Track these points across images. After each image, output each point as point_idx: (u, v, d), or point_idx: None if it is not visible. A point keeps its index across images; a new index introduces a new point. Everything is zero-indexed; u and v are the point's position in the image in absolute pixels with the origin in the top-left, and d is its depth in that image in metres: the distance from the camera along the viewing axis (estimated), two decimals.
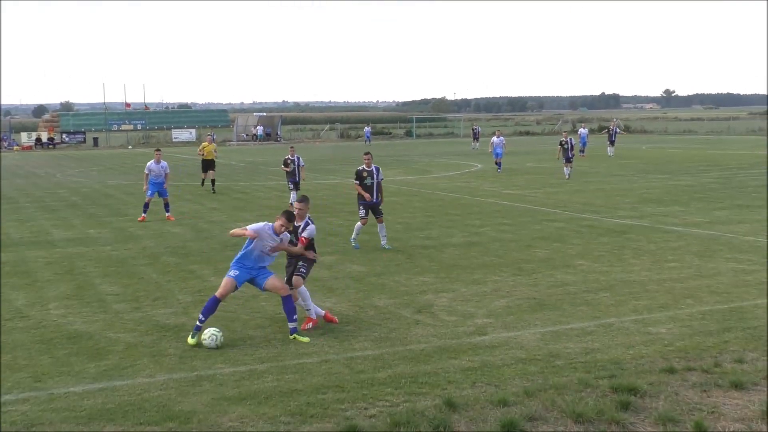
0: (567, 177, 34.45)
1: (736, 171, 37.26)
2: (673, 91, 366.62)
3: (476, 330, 10.84)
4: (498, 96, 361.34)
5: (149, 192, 23.27)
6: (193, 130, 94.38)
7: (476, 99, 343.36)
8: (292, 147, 28.09)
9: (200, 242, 19.00)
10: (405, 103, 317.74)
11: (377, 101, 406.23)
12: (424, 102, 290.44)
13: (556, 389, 8.32)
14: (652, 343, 10.02)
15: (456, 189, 31.39)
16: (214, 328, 10.44)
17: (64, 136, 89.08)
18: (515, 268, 15.02)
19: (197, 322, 10.62)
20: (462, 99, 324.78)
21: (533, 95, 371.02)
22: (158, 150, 24.52)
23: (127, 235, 20.14)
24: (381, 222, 17.75)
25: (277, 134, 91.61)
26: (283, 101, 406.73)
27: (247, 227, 11.09)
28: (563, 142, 35.55)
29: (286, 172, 26.61)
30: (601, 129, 57.00)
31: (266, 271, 11.06)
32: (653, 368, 8.98)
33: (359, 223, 17.76)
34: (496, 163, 40.02)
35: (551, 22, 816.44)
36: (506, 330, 10.81)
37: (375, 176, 17.76)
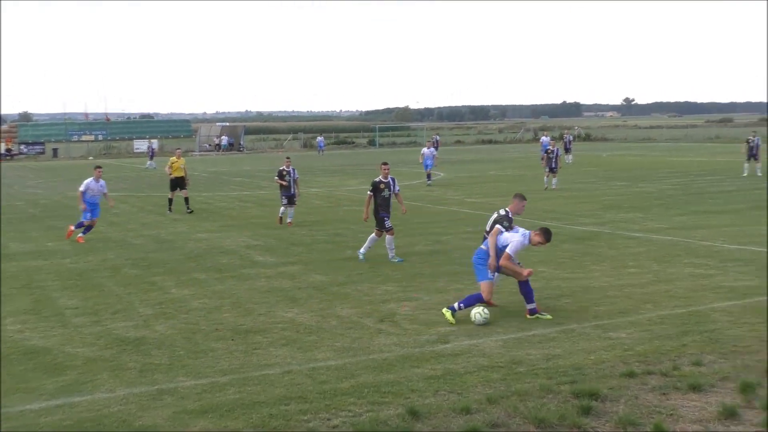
0: (550, 186, 33.21)
1: (694, 178, 37.83)
2: (633, 100, 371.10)
3: (439, 338, 10.86)
4: (461, 105, 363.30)
5: (86, 214, 21.20)
6: (156, 141, 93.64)
7: (439, 108, 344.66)
8: (288, 158, 25.40)
9: (162, 253, 18.83)
10: (368, 112, 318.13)
11: (341, 110, 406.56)
12: (388, 111, 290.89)
13: (518, 396, 8.36)
14: (613, 348, 10.12)
15: (419, 197, 31.49)
16: (480, 307, 11.55)
17: (22, 146, 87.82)
18: None
19: (457, 305, 11.73)
20: (425, 108, 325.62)
21: (496, 104, 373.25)
22: (99, 167, 22.18)
23: (87, 248, 19.89)
24: (379, 236, 17.26)
25: (240, 144, 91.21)
26: (246, 111, 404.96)
27: (511, 253, 11.79)
28: (549, 151, 34.74)
29: (281, 185, 23.97)
30: (561, 137, 57.62)
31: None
32: (614, 373, 9.06)
33: (388, 236, 17.12)
34: (427, 176, 38.21)
35: (512, 31, 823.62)
36: (469, 338, 10.85)
37: (392, 187, 17.37)
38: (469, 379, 9.04)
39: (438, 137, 71.07)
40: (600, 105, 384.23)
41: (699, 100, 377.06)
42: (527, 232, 12.05)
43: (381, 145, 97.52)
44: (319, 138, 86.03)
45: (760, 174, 36.84)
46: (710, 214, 23.68)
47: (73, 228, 21.50)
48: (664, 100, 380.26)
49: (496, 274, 12.10)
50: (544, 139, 54.48)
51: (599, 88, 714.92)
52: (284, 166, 24.18)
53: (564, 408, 7.93)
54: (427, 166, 38.41)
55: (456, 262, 16.65)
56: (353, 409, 8.13)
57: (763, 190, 30.27)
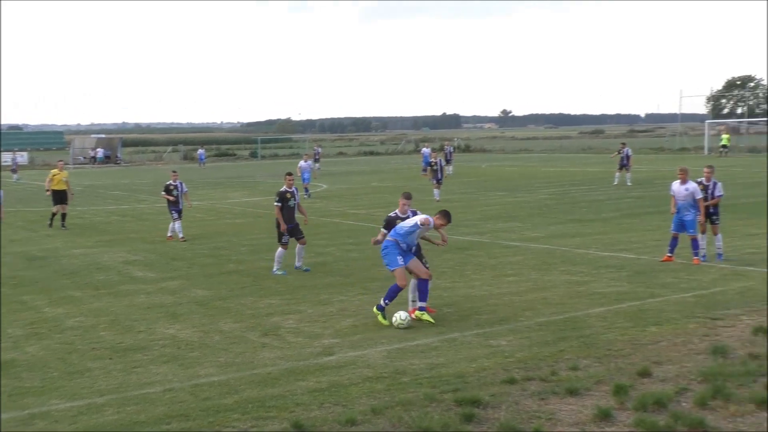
0: (437, 199, 32.90)
1: (569, 187, 39.14)
2: (510, 112, 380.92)
3: (323, 350, 10.84)
4: (343, 116, 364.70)
5: None
6: (25, 153, 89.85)
7: (321, 120, 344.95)
8: (174, 171, 24.36)
9: (34, 271, 18.08)
10: (250, 124, 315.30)
11: (222, 122, 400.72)
12: (270, 123, 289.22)
13: (402, 406, 8.42)
14: (494, 355, 10.34)
15: None
16: (404, 312, 12.12)
17: None
18: (361, 288, 15.14)
19: (383, 302, 12.28)
20: (307, 120, 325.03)
21: (377, 116, 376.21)
22: None
23: None
24: (303, 243, 17.25)
25: (117, 157, 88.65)
26: (123, 123, 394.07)
27: (428, 217, 12.50)
28: (433, 164, 34.65)
29: (169, 200, 23.18)
30: (441, 148, 58.55)
31: (411, 254, 12.51)
32: (495, 380, 9.26)
33: (280, 249, 16.99)
34: (305, 189, 36.95)
35: (392, 43, 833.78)
36: (353, 349, 10.87)
37: (296, 196, 17.36)
38: (353, 390, 9.05)
39: (320, 149, 70.65)
40: (479, 117, 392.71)
41: (572, 112, 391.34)
42: (429, 216, 12.58)
43: (263, 157, 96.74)
44: (200, 150, 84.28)
45: (630, 183, 38.47)
46: (584, 222, 24.56)
47: None
48: (539, 112, 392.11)
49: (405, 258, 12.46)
50: (425, 150, 55.24)
51: (478, 101, 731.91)
52: (171, 180, 23.46)
53: (447, 416, 8.04)
54: (304, 180, 37.63)
55: (339, 274, 16.67)
56: (237, 425, 8.01)
57: (631, 199, 31.63)
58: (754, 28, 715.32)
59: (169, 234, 23.02)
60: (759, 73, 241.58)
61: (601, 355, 10.14)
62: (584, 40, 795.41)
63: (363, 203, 33.59)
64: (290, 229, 17.13)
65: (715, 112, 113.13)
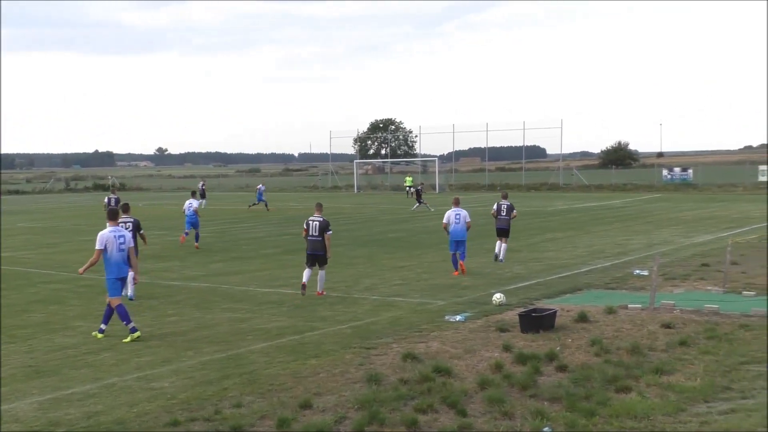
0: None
1: (229, 225, 39.46)
2: (166, 150, 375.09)
3: None
4: None
5: None
6: None
7: None
8: None
9: None
10: None
11: None
12: None
13: None
14: (156, 398, 10.06)
15: None
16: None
17: None
18: (8, 336, 14.00)
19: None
20: None
21: (22, 152, 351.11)
22: None
23: None
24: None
25: None
26: None
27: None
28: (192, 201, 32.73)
29: None
30: (96, 187, 55.96)
31: None
32: (158, 423, 9.01)
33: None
34: None
35: (37, 76, 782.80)
36: None
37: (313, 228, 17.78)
38: None
39: None
40: (134, 155, 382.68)
41: (228, 151, 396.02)
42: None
43: None
44: None
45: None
46: (244, 259, 24.87)
47: None
48: (196, 150, 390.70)
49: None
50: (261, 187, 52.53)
51: (132, 138, 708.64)
52: None
53: None
54: None
55: None
56: None
57: (290, 236, 32.61)
58: (398, 77, 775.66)
59: None
60: (399, 117, 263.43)
61: (264, 390, 10.30)
62: (234, 80, 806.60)
63: (10, 245, 31.05)
64: (310, 257, 17.83)
65: (362, 152, 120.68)
